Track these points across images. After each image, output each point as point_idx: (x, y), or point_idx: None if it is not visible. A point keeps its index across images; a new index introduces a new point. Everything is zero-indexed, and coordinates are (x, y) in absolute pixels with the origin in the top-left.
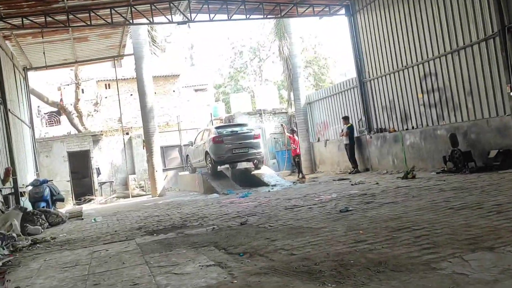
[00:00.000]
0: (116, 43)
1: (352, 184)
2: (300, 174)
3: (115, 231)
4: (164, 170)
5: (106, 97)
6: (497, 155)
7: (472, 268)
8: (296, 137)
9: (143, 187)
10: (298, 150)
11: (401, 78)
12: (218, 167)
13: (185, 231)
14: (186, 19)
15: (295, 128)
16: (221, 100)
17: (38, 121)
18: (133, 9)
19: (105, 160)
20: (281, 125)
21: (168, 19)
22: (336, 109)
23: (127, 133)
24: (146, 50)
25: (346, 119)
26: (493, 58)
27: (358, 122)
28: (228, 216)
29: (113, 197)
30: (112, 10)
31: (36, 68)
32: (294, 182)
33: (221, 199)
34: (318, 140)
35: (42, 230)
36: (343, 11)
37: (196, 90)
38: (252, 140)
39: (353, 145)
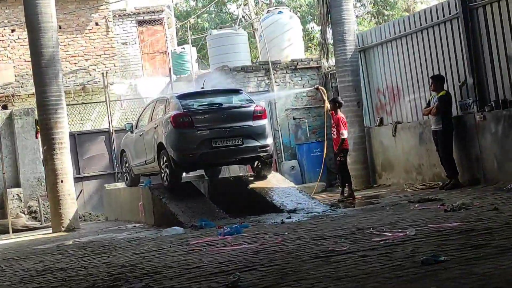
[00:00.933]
0: None
1: (446, 210)
2: (346, 189)
3: None
4: (77, 179)
5: None
6: None
7: None
8: (342, 115)
9: (35, 212)
10: (345, 141)
11: None
12: (183, 174)
13: None
14: None
15: (340, 100)
16: (191, 42)
17: None
18: None
19: None
20: (316, 87)
21: None
22: (416, 62)
23: (4, 107)
24: None
25: (437, 81)
26: None
27: (460, 88)
28: (201, 272)
29: None
30: None
31: None
32: (332, 206)
33: (188, 238)
34: (380, 122)
35: None
36: None
37: (141, 22)
38: (250, 123)
39: (450, 132)
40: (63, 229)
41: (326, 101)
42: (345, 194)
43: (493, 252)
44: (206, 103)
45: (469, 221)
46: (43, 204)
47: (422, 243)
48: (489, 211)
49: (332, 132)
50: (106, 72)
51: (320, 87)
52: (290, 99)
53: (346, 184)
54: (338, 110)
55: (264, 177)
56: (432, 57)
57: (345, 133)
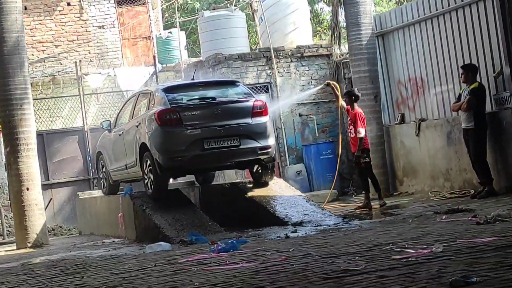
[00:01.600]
0: None
1: (479, 223)
2: (369, 195)
3: None
4: (46, 187)
5: None
6: None
7: None
8: (359, 110)
9: None
10: (364, 140)
11: None
12: (170, 180)
13: None
14: None
15: (357, 92)
16: (179, 25)
17: None
18: None
19: None
20: (327, 83)
21: None
22: (443, 49)
23: None
24: None
25: (468, 71)
26: None
27: (495, 79)
28: None
29: None
30: None
31: None
32: (345, 218)
33: (176, 256)
34: (401, 120)
35: None
36: None
37: (120, 2)
38: (248, 120)
39: (483, 131)
40: (29, 245)
41: (340, 98)
42: (364, 203)
43: None
44: (197, 97)
45: (506, 236)
46: (6, 216)
47: (451, 262)
48: None
49: (349, 131)
50: (80, 61)
51: (331, 82)
52: (295, 92)
53: (363, 192)
54: (355, 104)
55: (265, 184)
56: (462, 43)
57: (362, 131)
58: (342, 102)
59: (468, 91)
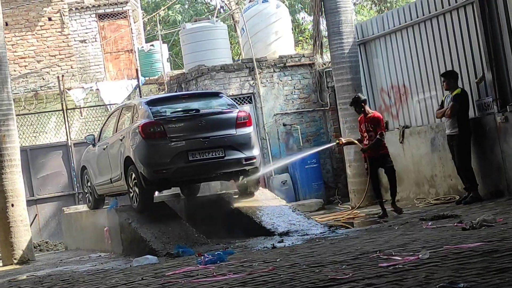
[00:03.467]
0: None
1: (465, 229)
2: (392, 201)
3: None
4: (31, 202)
5: None
6: None
7: None
8: (378, 113)
9: None
10: (382, 143)
11: None
12: (156, 193)
13: None
14: None
15: (362, 95)
16: (161, 38)
17: None
18: None
19: None
20: (338, 144)
21: None
22: (425, 56)
23: None
24: None
25: (449, 78)
26: None
27: (477, 85)
28: None
29: None
30: None
31: None
32: (331, 227)
33: (163, 269)
34: (385, 127)
35: None
36: None
37: (102, 16)
38: (232, 131)
39: (467, 137)
40: (15, 261)
41: (357, 143)
42: (392, 209)
43: None
44: (180, 109)
45: (492, 241)
46: None
47: (438, 268)
48: None
49: (365, 137)
50: (62, 76)
51: (342, 140)
52: (279, 102)
53: (394, 194)
54: (367, 108)
55: (250, 194)
56: (444, 49)
57: (380, 138)
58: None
59: (451, 97)
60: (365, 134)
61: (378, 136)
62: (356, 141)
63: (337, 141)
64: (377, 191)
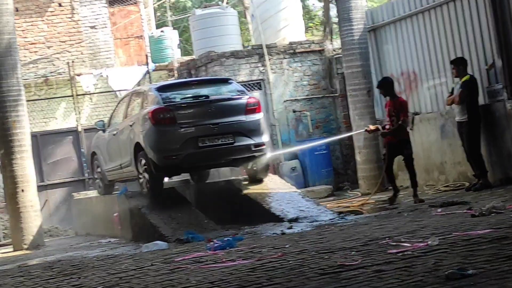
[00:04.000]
0: None
1: (474, 215)
2: (415, 187)
3: None
4: (41, 188)
5: None
6: None
7: None
8: (403, 98)
9: None
10: (406, 128)
11: None
12: (166, 179)
13: None
14: None
15: (390, 78)
16: (171, 24)
17: None
18: None
19: None
20: (369, 131)
21: None
22: (436, 43)
23: None
24: None
25: (459, 65)
26: None
27: (487, 71)
28: None
29: None
30: None
31: None
32: (341, 213)
33: (172, 254)
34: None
35: None
36: None
37: (112, 2)
38: (242, 117)
39: (477, 124)
40: (25, 246)
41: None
42: (413, 195)
43: None
44: (190, 95)
45: (501, 228)
46: (2, 218)
47: (447, 255)
48: None
49: (388, 122)
50: (72, 62)
51: (371, 127)
52: (288, 88)
53: (415, 181)
54: (395, 92)
55: (260, 181)
56: (454, 36)
57: (405, 123)
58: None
59: (460, 84)
60: (388, 118)
61: (400, 122)
62: (380, 129)
63: (366, 128)
64: (390, 177)
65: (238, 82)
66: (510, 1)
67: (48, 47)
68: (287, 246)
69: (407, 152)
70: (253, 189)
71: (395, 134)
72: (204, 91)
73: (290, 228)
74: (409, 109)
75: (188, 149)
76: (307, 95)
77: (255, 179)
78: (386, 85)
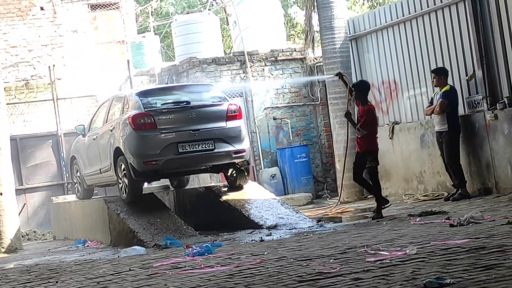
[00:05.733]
0: None
1: (452, 225)
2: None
3: None
4: (20, 191)
5: None
6: None
7: None
8: (371, 107)
9: None
10: (374, 141)
11: None
12: (145, 184)
13: None
14: None
15: (366, 82)
16: (153, 30)
17: None
18: None
19: None
20: (338, 74)
21: None
22: (416, 53)
23: None
24: None
25: (440, 75)
26: None
27: (467, 82)
28: None
29: None
30: None
31: None
32: (320, 221)
33: (151, 260)
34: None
35: None
36: None
37: (94, 7)
38: (223, 124)
39: (456, 134)
40: (2, 250)
41: (349, 91)
42: (374, 211)
43: (507, 274)
44: (171, 101)
45: (479, 238)
46: None
47: (425, 264)
48: (502, 226)
49: (358, 131)
50: (54, 65)
51: (343, 73)
52: (269, 96)
53: (377, 196)
54: (367, 99)
55: (239, 188)
56: (435, 46)
57: (372, 132)
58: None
59: (441, 94)
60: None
61: (358, 127)
62: (350, 86)
63: (340, 72)
64: (365, 186)
65: (219, 89)
66: (491, 12)
67: (29, 51)
68: (265, 253)
69: (370, 165)
70: (232, 196)
71: (360, 144)
72: (185, 97)
73: (269, 235)
74: (373, 118)
75: (168, 155)
76: (288, 103)
77: (235, 186)
78: (361, 87)
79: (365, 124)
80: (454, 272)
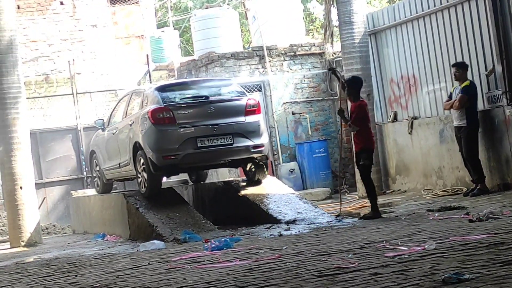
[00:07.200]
0: None
1: (471, 220)
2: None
3: None
4: (40, 185)
5: None
6: None
7: None
8: (363, 103)
9: None
10: (369, 138)
11: None
12: (164, 179)
13: None
14: None
15: (358, 78)
16: (172, 24)
17: None
18: None
19: None
20: (330, 69)
21: None
22: (436, 47)
23: None
24: None
25: (460, 69)
26: None
27: (487, 77)
28: None
29: None
30: None
31: None
32: (338, 215)
33: (169, 254)
34: (394, 118)
35: None
36: None
37: (114, 1)
38: (242, 118)
39: (475, 129)
40: (22, 243)
41: (339, 89)
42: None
43: None
44: (190, 95)
45: (498, 233)
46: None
47: (444, 259)
48: None
49: (350, 128)
50: (73, 60)
51: (335, 69)
52: (288, 90)
53: (370, 192)
54: (360, 95)
55: (258, 182)
56: (454, 41)
57: (366, 131)
58: (340, 95)
59: (460, 89)
60: (347, 126)
61: (349, 123)
62: (343, 81)
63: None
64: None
65: (238, 84)
66: (511, 7)
67: (49, 45)
68: (284, 247)
69: (363, 163)
70: (251, 191)
71: (356, 143)
72: (204, 91)
73: (288, 230)
74: (364, 114)
75: (187, 149)
76: (306, 98)
77: (254, 181)
78: (354, 82)
79: (357, 120)
80: (473, 268)
